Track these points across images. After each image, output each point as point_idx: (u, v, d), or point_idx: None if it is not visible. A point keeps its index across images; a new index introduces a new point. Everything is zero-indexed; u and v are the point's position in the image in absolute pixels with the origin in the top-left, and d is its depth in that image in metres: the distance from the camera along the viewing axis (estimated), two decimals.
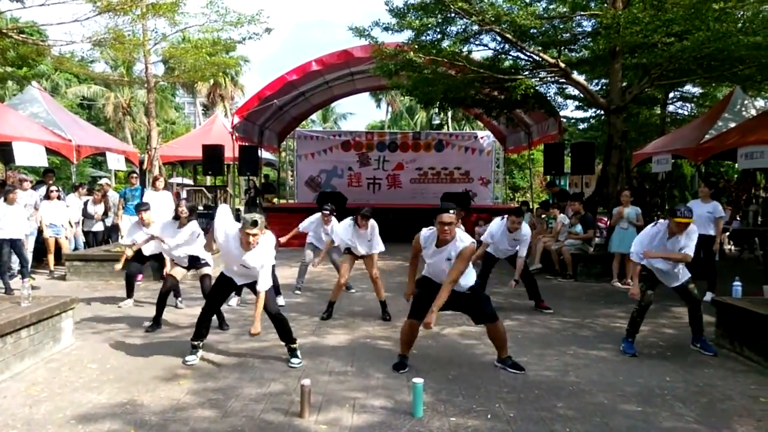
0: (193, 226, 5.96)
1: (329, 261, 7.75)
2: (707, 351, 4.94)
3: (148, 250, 6.51)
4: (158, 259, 6.59)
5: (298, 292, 7.54)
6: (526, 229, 6.38)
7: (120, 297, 6.93)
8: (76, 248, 9.46)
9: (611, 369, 4.53)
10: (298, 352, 4.64)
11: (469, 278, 4.37)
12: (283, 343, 4.65)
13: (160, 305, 5.71)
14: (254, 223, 4.23)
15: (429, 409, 3.65)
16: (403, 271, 9.74)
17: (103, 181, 13.32)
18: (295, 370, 4.43)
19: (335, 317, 6.18)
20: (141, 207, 6.39)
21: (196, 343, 4.68)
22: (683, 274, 5.02)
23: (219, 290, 4.76)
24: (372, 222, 6.17)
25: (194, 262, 6.05)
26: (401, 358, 4.52)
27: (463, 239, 4.22)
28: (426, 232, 4.40)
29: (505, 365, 4.47)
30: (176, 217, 5.95)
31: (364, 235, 6.16)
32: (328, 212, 7.16)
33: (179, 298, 6.72)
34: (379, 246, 6.25)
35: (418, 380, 3.58)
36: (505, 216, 6.47)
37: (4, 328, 4.17)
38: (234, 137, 13.45)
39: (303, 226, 7.43)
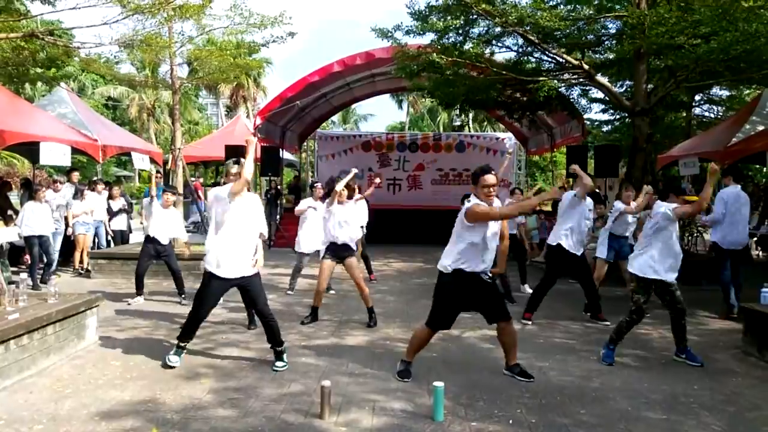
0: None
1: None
2: (694, 361, 4.73)
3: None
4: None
5: (290, 293, 7.62)
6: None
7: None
8: (98, 246, 9.62)
9: (635, 376, 4.45)
10: (284, 356, 4.53)
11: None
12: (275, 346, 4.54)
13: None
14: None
15: (449, 413, 3.62)
16: (423, 273, 9.73)
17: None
18: (314, 370, 4.43)
19: (354, 319, 6.19)
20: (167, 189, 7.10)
21: (183, 344, 4.57)
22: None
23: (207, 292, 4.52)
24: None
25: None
26: (407, 365, 4.33)
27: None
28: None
29: (513, 373, 4.34)
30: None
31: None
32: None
33: (183, 296, 6.86)
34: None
35: (439, 384, 3.55)
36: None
37: (31, 325, 4.26)
38: (256, 138, 13.56)
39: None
